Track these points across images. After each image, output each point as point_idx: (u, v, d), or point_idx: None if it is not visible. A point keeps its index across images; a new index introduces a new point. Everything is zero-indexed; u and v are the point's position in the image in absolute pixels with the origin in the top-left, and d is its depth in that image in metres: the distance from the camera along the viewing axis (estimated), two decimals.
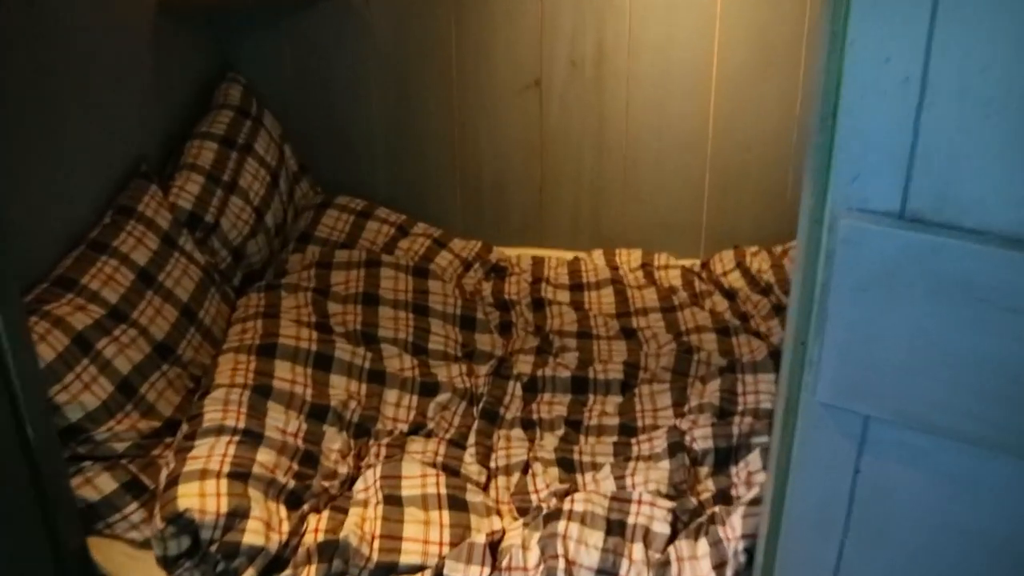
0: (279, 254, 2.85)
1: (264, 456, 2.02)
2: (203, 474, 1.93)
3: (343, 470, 2.12)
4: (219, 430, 2.05)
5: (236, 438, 2.04)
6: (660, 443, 2.12)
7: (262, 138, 2.88)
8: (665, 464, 2.05)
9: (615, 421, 2.28)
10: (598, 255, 3.04)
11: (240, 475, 1.95)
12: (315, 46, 3.02)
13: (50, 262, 2.24)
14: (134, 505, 2.02)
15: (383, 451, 2.17)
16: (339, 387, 2.28)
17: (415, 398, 2.33)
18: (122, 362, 2.13)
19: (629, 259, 3.01)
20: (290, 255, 2.81)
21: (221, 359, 2.27)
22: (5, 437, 1.84)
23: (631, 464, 2.09)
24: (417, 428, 2.25)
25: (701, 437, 2.09)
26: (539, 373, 2.43)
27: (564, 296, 2.83)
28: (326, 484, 2.07)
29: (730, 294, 2.80)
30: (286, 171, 2.98)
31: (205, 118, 2.80)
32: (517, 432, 2.27)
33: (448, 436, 2.23)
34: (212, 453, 1.99)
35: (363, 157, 3.15)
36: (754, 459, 2.00)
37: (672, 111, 2.95)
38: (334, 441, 2.17)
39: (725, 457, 2.06)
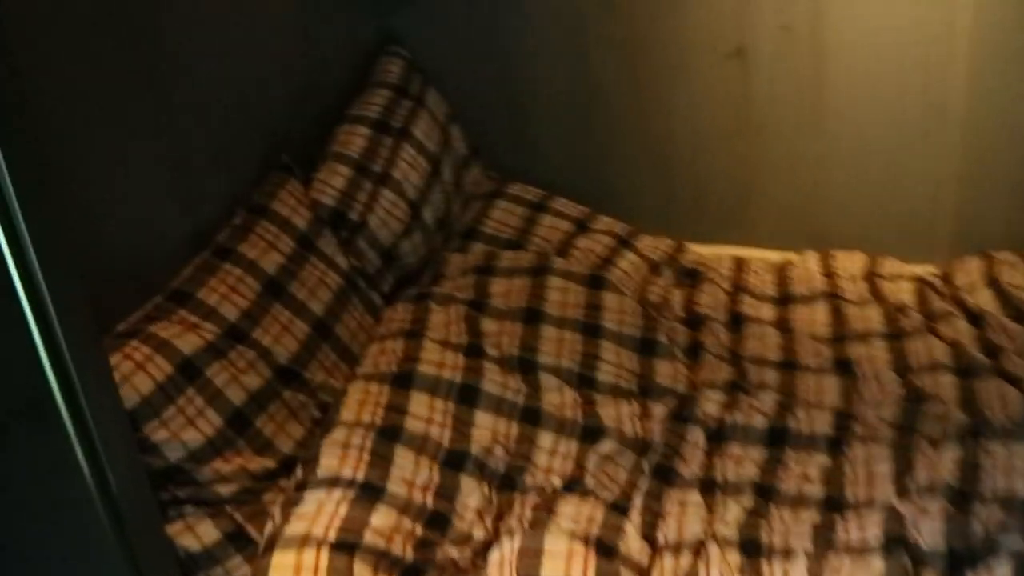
0: (440, 252, 2.51)
1: (382, 519, 1.69)
2: (304, 541, 1.63)
3: (478, 534, 1.78)
4: (333, 482, 1.74)
5: (351, 493, 1.72)
6: (874, 532, 1.67)
7: (423, 120, 2.54)
8: (878, 564, 1.60)
9: (818, 491, 1.83)
10: (811, 259, 2.56)
11: (347, 545, 1.63)
12: (486, 13, 2.65)
13: (170, 271, 1.98)
14: (238, 559, 1.76)
15: (528, 512, 1.81)
16: (484, 427, 1.93)
17: (574, 444, 1.96)
18: (235, 391, 1.85)
19: (849, 265, 2.51)
20: (451, 254, 2.47)
21: (351, 388, 1.97)
22: (82, 487, 1.59)
23: (832, 557, 1.65)
24: (573, 483, 1.87)
25: (928, 531, 1.62)
26: (728, 418, 2.00)
27: (768, 311, 2.38)
28: (454, 553, 1.73)
29: (976, 318, 2.27)
30: (452, 156, 2.63)
31: (358, 99, 2.49)
32: (694, 497, 1.85)
33: (609, 497, 1.84)
34: (320, 512, 1.68)
35: (540, 139, 2.77)
36: (1003, 571, 1.52)
37: (910, 85, 2.43)
38: (471, 495, 1.82)
39: (960, 562, 1.59)
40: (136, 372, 1.72)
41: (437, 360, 2.01)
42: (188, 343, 1.82)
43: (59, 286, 1.34)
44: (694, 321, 2.35)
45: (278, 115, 2.30)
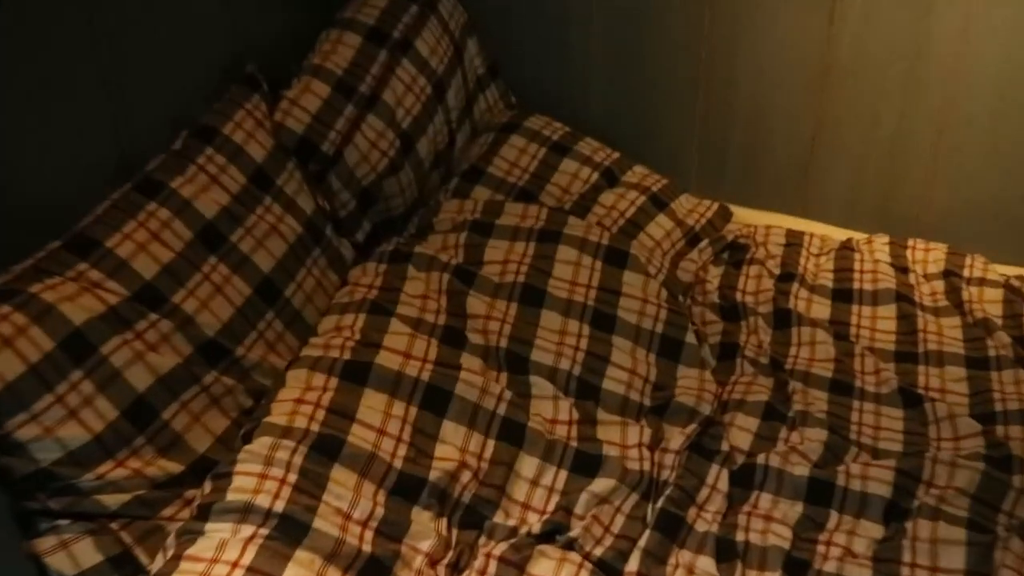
0: (435, 194, 2.07)
1: (299, 569, 1.30)
2: None
3: None
4: (244, 511, 1.35)
5: (265, 531, 1.33)
6: None
7: (430, 30, 2.07)
8: None
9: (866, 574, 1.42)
10: (881, 245, 2.10)
11: None
12: None
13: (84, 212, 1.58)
14: None
15: (492, 567, 1.42)
16: (451, 444, 1.53)
17: (562, 475, 1.56)
18: (139, 373, 1.45)
19: (927, 259, 2.06)
20: (447, 199, 2.04)
21: (290, 376, 1.57)
22: None
23: None
24: (555, 529, 1.48)
25: None
26: (760, 458, 1.58)
27: (822, 309, 1.94)
28: None
29: None
30: (463, 76, 2.17)
31: (351, 1, 2.02)
32: (706, 563, 1.45)
33: (599, 553, 1.45)
34: (219, 557, 1.30)
35: (575, 61, 2.31)
36: None
37: None
38: (424, 535, 1.43)
39: None
40: (1, 351, 1.32)
41: (403, 348, 1.60)
42: (80, 310, 1.42)
43: None
44: (731, 311, 1.92)
45: (248, 15, 1.85)
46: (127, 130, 1.63)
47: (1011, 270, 2.05)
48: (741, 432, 1.63)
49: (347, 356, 1.57)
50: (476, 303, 1.72)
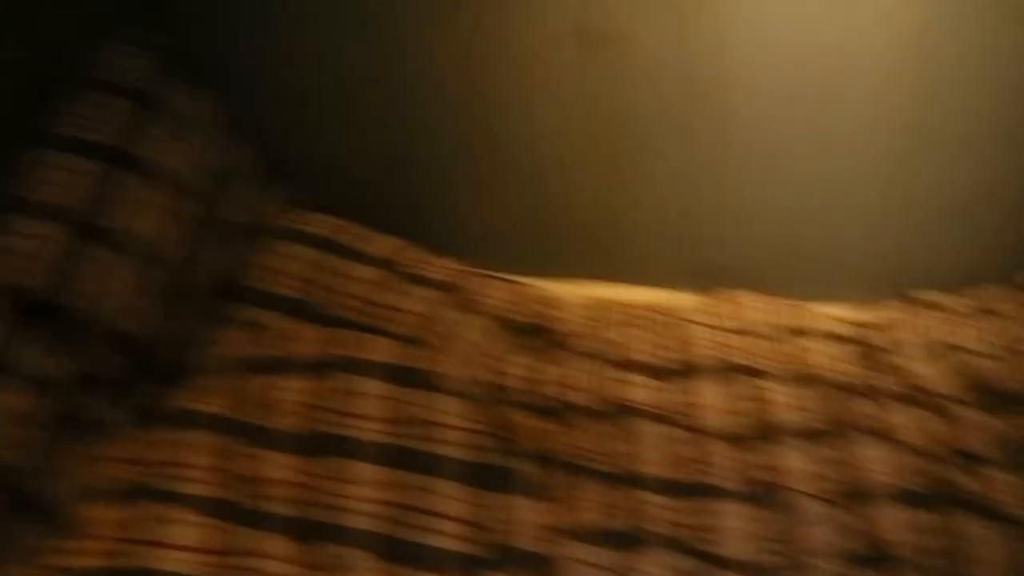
0: (195, 324, 1.76)
1: None
2: None
3: None
4: None
5: None
6: None
7: (161, 134, 1.75)
8: None
9: None
10: (705, 305, 1.97)
11: None
12: None
13: None
14: None
15: None
16: None
17: None
18: None
19: (760, 315, 1.94)
20: (214, 331, 1.74)
21: None
22: None
23: None
24: None
25: None
26: None
27: (646, 392, 1.77)
28: None
29: (935, 404, 1.74)
30: (212, 176, 1.86)
31: (62, 110, 1.68)
32: None
33: None
34: None
35: (334, 144, 2.05)
36: None
37: (836, 86, 1.83)
38: None
39: None
40: None
41: (188, 542, 1.33)
42: None
43: None
44: (550, 410, 1.72)
45: None
46: None
47: (839, 311, 1.97)
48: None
49: (115, 563, 1.27)
50: (264, 465, 1.45)
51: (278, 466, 1.47)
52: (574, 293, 2.03)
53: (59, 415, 1.44)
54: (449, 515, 1.47)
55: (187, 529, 1.34)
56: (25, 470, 1.36)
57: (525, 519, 1.50)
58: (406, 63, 1.92)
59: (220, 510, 1.39)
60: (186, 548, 1.32)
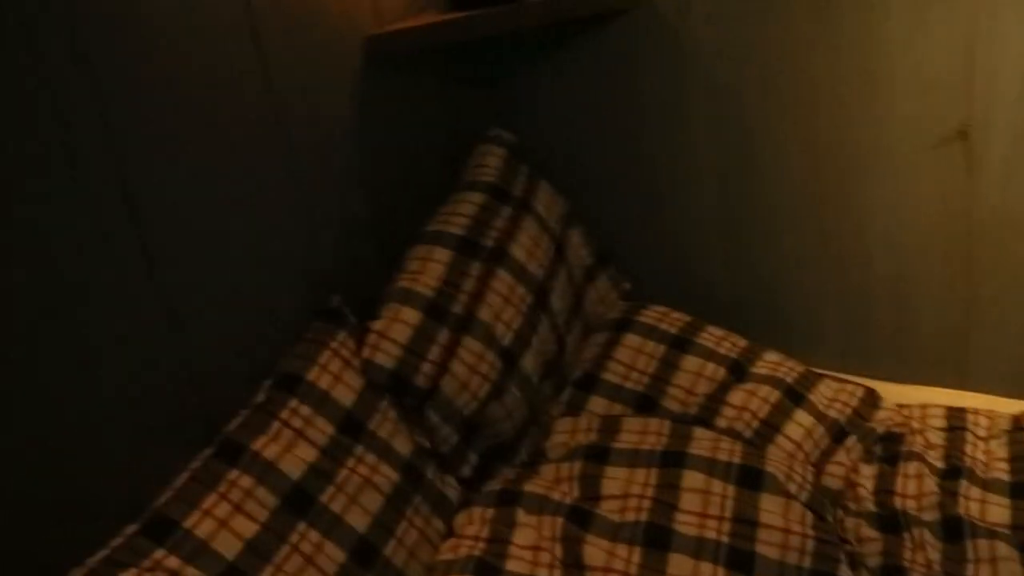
0: (547, 406, 1.91)
1: None
2: None
3: None
4: None
5: None
6: None
7: (527, 231, 1.94)
8: None
9: None
10: None
11: None
12: (613, 81, 2.04)
13: (162, 481, 1.47)
14: None
15: None
16: None
17: None
18: None
19: None
20: (558, 418, 1.87)
21: None
22: None
23: None
24: None
25: None
26: None
27: (1001, 511, 1.68)
28: None
29: None
30: (569, 272, 2.02)
31: (441, 209, 1.91)
32: None
33: None
34: None
35: (688, 238, 2.14)
36: None
37: None
38: None
39: None
40: None
41: None
42: None
43: None
44: (891, 521, 1.68)
45: (332, 237, 1.75)
46: (206, 378, 1.53)
47: None
48: None
49: None
50: (594, 552, 1.54)
51: (605, 553, 1.54)
52: (921, 398, 1.96)
53: (404, 487, 1.60)
54: None
55: None
56: (378, 539, 1.53)
57: None
58: (756, 160, 1.98)
59: None
60: None
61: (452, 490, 1.70)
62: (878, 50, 1.80)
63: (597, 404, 1.87)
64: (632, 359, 1.93)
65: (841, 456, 1.82)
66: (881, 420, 1.90)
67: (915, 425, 1.87)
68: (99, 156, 1.35)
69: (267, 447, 1.49)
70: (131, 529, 1.38)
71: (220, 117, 1.53)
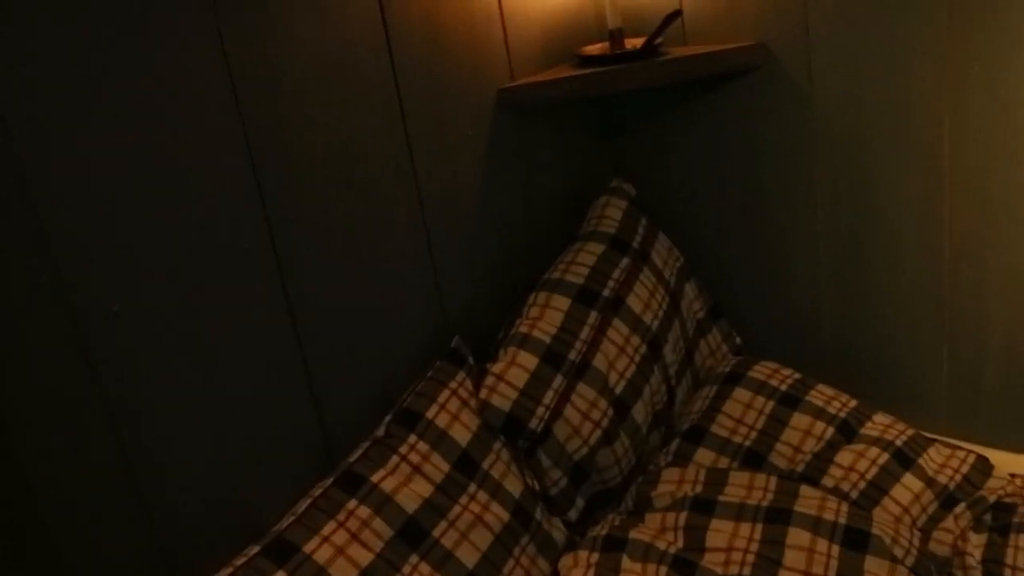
0: (654, 456, 1.95)
1: None
2: None
3: None
4: None
5: None
6: None
7: (644, 282, 1.99)
8: None
9: None
10: None
11: None
12: (734, 134, 2.07)
13: (287, 504, 1.55)
14: None
15: None
16: None
17: None
18: None
19: None
20: (667, 464, 1.90)
21: None
22: None
23: None
24: None
25: None
26: None
27: None
28: None
29: None
30: (683, 323, 2.06)
31: (560, 258, 1.97)
32: None
33: None
34: None
35: (801, 296, 2.15)
36: None
37: None
38: None
39: None
40: None
41: None
42: None
43: None
44: None
45: (455, 281, 1.82)
46: (330, 411, 1.60)
47: None
48: None
49: None
50: None
51: None
52: None
53: (513, 527, 1.65)
54: None
55: None
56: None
57: None
58: (875, 216, 1.99)
59: None
60: None
61: (558, 532, 1.74)
62: (1010, 99, 1.80)
63: (704, 456, 1.90)
64: (741, 413, 1.96)
65: (949, 523, 1.81)
66: (992, 489, 1.88)
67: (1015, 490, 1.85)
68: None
69: (385, 480, 1.56)
70: (253, 550, 1.46)
71: (357, 174, 1.62)
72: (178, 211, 1.36)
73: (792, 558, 1.61)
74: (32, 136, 1.18)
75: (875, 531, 1.66)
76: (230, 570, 1.43)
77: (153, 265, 1.33)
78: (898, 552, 1.65)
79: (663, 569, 1.61)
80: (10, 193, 1.16)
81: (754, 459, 1.89)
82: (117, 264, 1.28)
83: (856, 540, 1.64)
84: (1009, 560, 1.72)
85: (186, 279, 1.38)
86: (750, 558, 1.62)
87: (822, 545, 1.63)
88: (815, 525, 1.66)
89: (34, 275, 1.19)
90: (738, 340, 2.20)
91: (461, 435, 1.67)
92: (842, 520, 1.67)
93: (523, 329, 1.83)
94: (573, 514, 1.79)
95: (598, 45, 2.05)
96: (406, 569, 1.50)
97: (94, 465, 1.29)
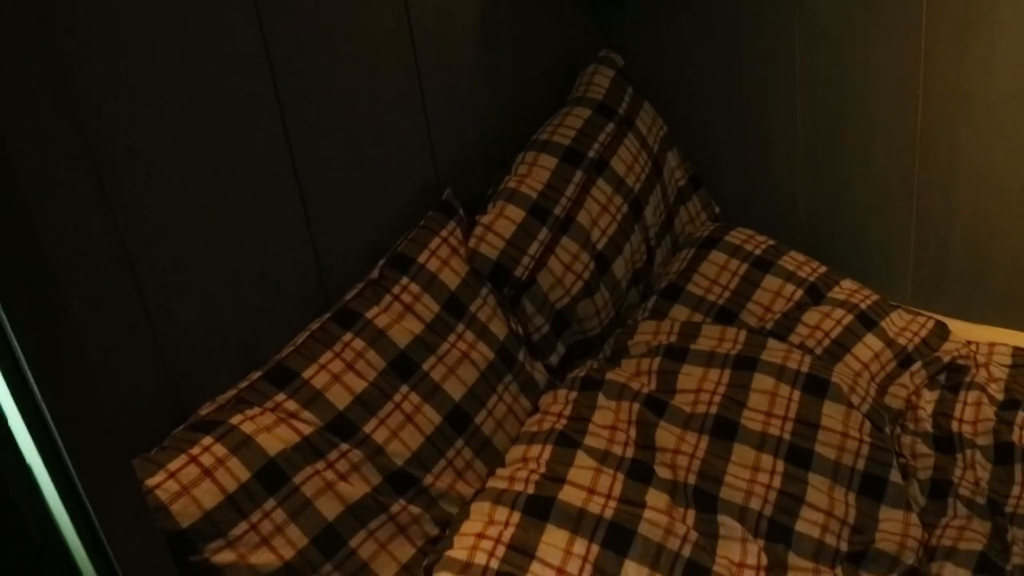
0: (633, 312, 2.06)
1: None
2: None
3: None
4: None
5: None
6: None
7: (628, 147, 2.08)
8: None
9: None
10: None
11: None
12: (724, 12, 2.15)
13: (285, 339, 1.66)
14: None
15: None
16: None
17: None
18: (329, 503, 1.50)
19: None
20: (644, 319, 2.02)
21: (474, 508, 1.58)
22: None
23: None
24: None
25: None
26: None
27: None
28: None
29: None
30: (664, 189, 2.16)
31: (548, 121, 2.05)
32: None
33: None
34: None
35: (778, 169, 2.25)
36: None
37: None
38: None
39: None
40: (201, 481, 1.40)
41: (588, 483, 1.59)
42: (276, 440, 1.48)
43: (66, 410, 1.02)
44: (946, 442, 1.80)
45: (447, 139, 1.91)
46: (328, 255, 1.70)
47: None
48: None
49: (531, 490, 1.57)
50: (666, 435, 1.69)
51: (675, 438, 1.69)
52: (989, 338, 2.05)
53: (497, 365, 1.77)
54: (821, 508, 1.61)
55: (586, 472, 1.61)
56: (471, 408, 1.70)
57: (893, 529, 1.61)
58: (850, 91, 2.08)
59: (617, 464, 1.64)
60: (581, 488, 1.58)
61: (539, 374, 1.86)
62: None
63: (679, 312, 2.01)
64: (716, 274, 2.06)
65: (905, 380, 1.93)
66: (947, 351, 2.01)
67: (980, 359, 1.98)
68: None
69: (379, 316, 1.67)
70: (255, 375, 1.57)
71: (358, 31, 1.69)
72: (190, 58, 1.43)
73: (756, 400, 1.74)
74: None
75: (834, 379, 1.78)
76: (234, 392, 1.54)
77: (165, 108, 1.41)
78: (855, 400, 1.77)
79: (635, 407, 1.73)
80: (41, 50, 1.23)
81: (726, 316, 2.00)
82: (133, 106, 1.36)
83: (816, 386, 1.77)
84: (957, 414, 1.85)
85: (196, 121, 1.45)
86: (717, 399, 1.74)
87: (784, 390, 1.76)
88: (779, 372, 1.78)
89: (61, 126, 1.27)
90: (717, 210, 2.30)
91: (450, 279, 1.77)
92: (804, 369, 1.79)
93: (511, 184, 1.92)
94: (554, 359, 1.90)
95: None
96: (397, 397, 1.62)
97: (110, 298, 1.38)
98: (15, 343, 0.94)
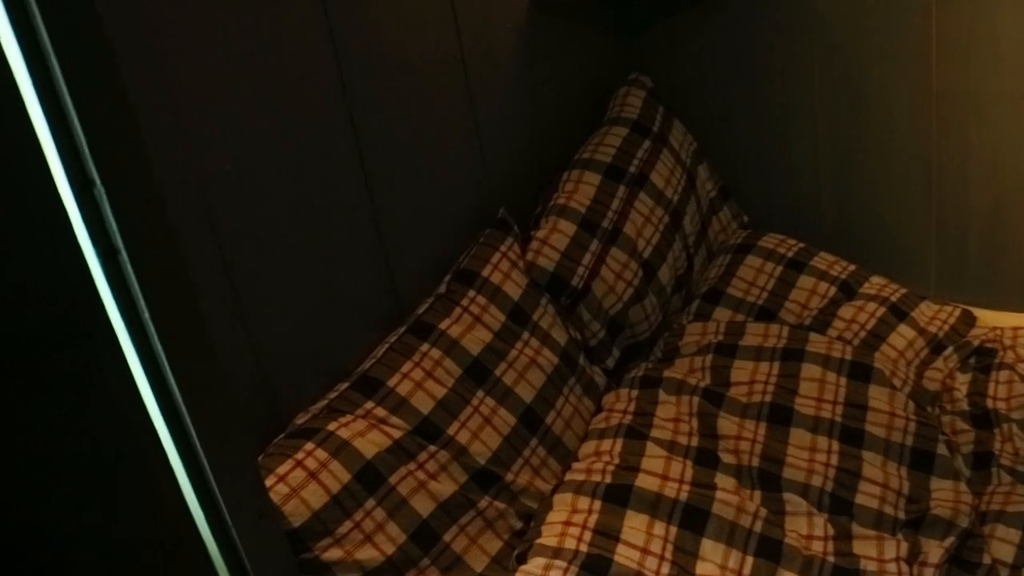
0: (677, 316, 2.18)
1: None
2: None
3: None
4: None
5: None
6: None
7: (664, 162, 2.21)
8: None
9: None
10: None
11: None
12: (741, 31, 2.28)
13: (364, 350, 1.77)
14: None
15: None
16: (711, 561, 1.60)
17: None
18: (422, 500, 1.60)
19: None
20: (689, 322, 2.14)
21: (556, 499, 1.69)
22: None
23: None
24: None
25: None
26: None
27: None
28: None
29: None
30: (698, 201, 2.29)
31: (589, 140, 2.19)
32: None
33: None
34: None
35: (802, 177, 2.38)
36: None
37: None
38: None
39: None
40: (308, 483, 1.50)
41: (660, 470, 1.70)
42: (371, 444, 1.59)
43: (203, 407, 1.13)
44: (983, 419, 1.91)
45: (497, 160, 2.03)
46: (399, 272, 1.82)
47: None
48: (1003, 544, 1.63)
49: (608, 480, 1.68)
50: (726, 424, 1.80)
51: (736, 426, 1.81)
52: (1012, 324, 2.18)
53: (561, 369, 1.89)
54: (877, 481, 1.73)
55: (657, 461, 1.72)
56: (541, 409, 1.82)
57: (945, 496, 1.72)
58: (867, 104, 2.21)
59: (684, 452, 1.75)
60: (655, 475, 1.70)
61: (599, 377, 1.98)
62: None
63: (722, 314, 2.13)
64: (753, 277, 2.19)
65: (939, 364, 2.06)
66: (975, 336, 2.13)
67: (1007, 343, 2.10)
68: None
69: (451, 327, 1.79)
70: (343, 386, 1.68)
71: (417, 63, 1.82)
72: (280, 93, 1.55)
73: (806, 388, 1.86)
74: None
75: (877, 365, 1.90)
76: (325, 402, 1.65)
77: (256, 133, 1.53)
78: (896, 383, 1.89)
79: (695, 400, 1.85)
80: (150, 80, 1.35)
81: (766, 315, 2.12)
82: (228, 129, 1.48)
83: (860, 372, 1.89)
84: (991, 392, 1.97)
85: (281, 148, 1.58)
86: (770, 388, 1.86)
87: (831, 377, 1.88)
88: (825, 361, 1.90)
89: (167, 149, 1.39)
90: (745, 219, 2.43)
91: (513, 291, 1.89)
92: (848, 357, 1.91)
93: (561, 201, 2.05)
94: (610, 363, 2.02)
95: None
96: (474, 401, 1.73)
97: (212, 310, 1.49)
98: (160, 352, 1.05)
